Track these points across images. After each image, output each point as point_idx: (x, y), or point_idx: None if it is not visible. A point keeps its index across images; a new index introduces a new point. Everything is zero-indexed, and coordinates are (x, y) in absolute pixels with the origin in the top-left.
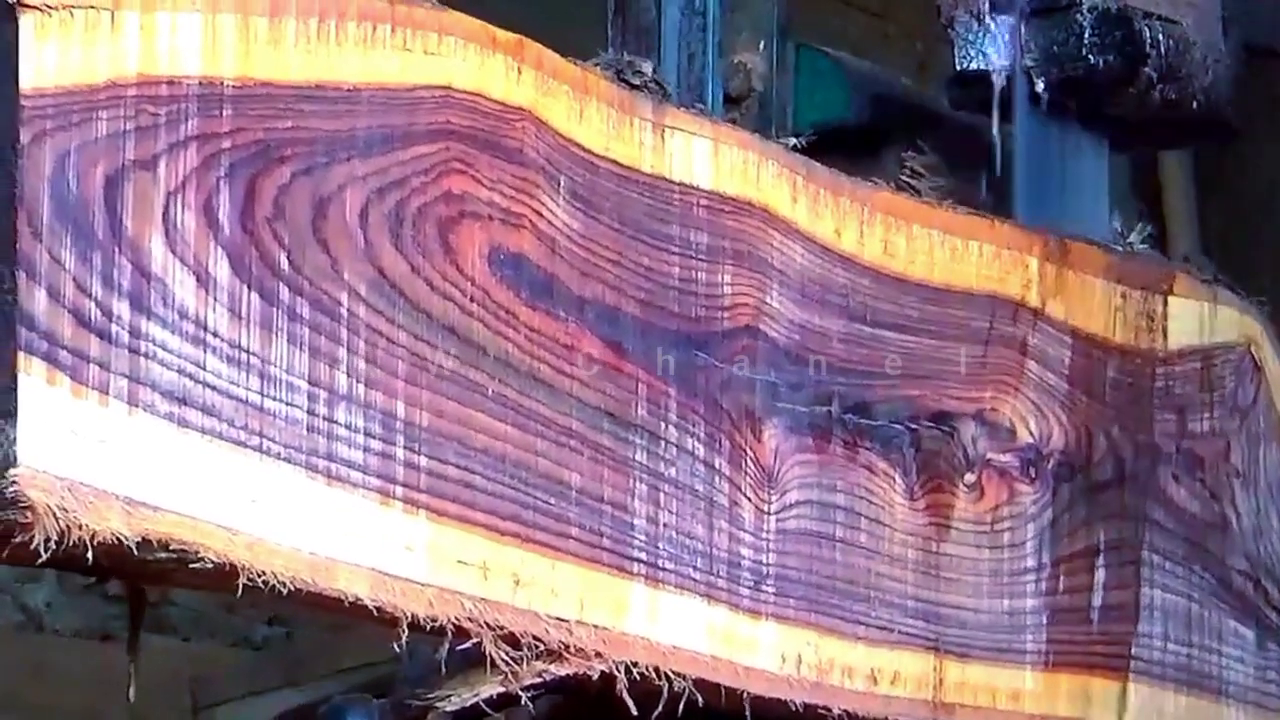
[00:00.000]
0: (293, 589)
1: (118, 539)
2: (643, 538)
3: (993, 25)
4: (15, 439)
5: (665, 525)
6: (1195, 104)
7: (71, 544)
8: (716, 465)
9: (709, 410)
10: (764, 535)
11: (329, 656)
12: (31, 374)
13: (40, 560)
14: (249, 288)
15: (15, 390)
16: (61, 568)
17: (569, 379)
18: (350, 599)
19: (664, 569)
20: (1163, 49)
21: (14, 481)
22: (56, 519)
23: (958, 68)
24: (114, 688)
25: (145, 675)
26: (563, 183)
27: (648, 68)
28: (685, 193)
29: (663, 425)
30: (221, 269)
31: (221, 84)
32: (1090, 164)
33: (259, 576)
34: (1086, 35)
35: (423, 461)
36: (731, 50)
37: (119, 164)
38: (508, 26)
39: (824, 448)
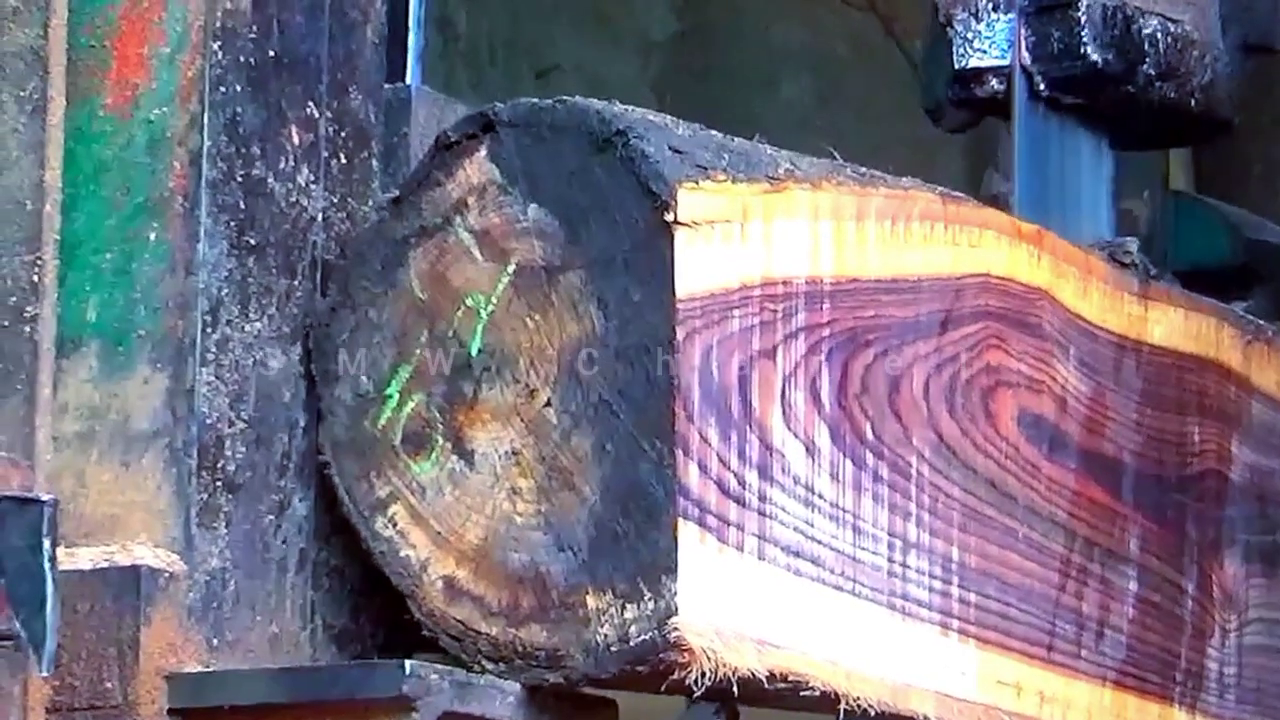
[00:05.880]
0: (877, 711)
1: (751, 673)
2: (1135, 656)
3: (992, 22)
4: (676, 592)
5: (1152, 644)
6: (1194, 101)
7: (717, 679)
8: (1189, 590)
9: (1182, 543)
10: (1227, 650)
11: None
12: (686, 536)
13: (694, 695)
14: (844, 455)
15: (676, 550)
16: (705, 699)
17: (1079, 521)
18: (920, 718)
19: (1150, 682)
20: (1161, 47)
21: (676, 628)
22: (708, 658)
23: (956, 65)
24: None
25: None
26: (1071, 352)
27: (1133, 247)
28: (1163, 354)
29: (1149, 558)
30: (823, 439)
31: (821, 281)
32: (1089, 161)
33: (854, 701)
34: (1085, 33)
35: (972, 597)
36: (1119, 198)
37: (749, 354)
38: None
39: (1270, 572)
